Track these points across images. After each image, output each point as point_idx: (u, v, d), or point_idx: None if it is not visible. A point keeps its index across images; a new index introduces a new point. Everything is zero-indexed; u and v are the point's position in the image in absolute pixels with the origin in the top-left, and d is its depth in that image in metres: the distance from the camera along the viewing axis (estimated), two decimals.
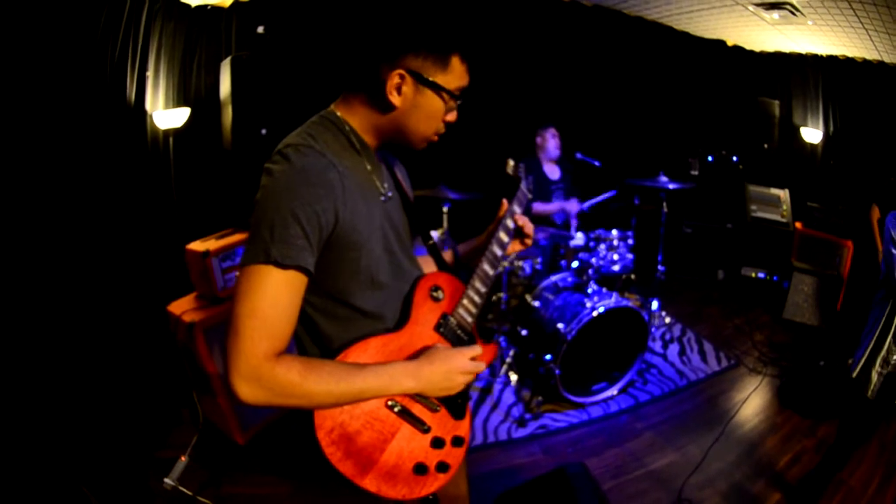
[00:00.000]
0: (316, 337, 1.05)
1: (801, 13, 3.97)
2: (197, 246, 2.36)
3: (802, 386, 3.09)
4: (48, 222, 2.63)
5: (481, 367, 1.10)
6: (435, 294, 1.14)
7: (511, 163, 1.29)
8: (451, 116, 1.07)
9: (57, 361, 2.60)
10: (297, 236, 0.88)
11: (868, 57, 4.54)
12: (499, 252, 1.22)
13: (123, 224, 2.98)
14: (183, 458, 2.34)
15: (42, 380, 2.52)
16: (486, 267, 1.18)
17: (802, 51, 4.92)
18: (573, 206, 3.75)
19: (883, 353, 1.92)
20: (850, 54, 4.63)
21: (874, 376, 1.93)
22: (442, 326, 1.13)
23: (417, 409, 1.04)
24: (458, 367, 1.05)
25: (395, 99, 0.99)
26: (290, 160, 0.92)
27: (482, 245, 1.28)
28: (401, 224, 1.14)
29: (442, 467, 1.05)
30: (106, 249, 2.89)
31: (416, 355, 1.05)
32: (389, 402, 1.00)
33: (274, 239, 0.87)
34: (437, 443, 1.06)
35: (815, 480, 2.22)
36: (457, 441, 1.10)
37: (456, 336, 1.14)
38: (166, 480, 2.23)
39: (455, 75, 1.02)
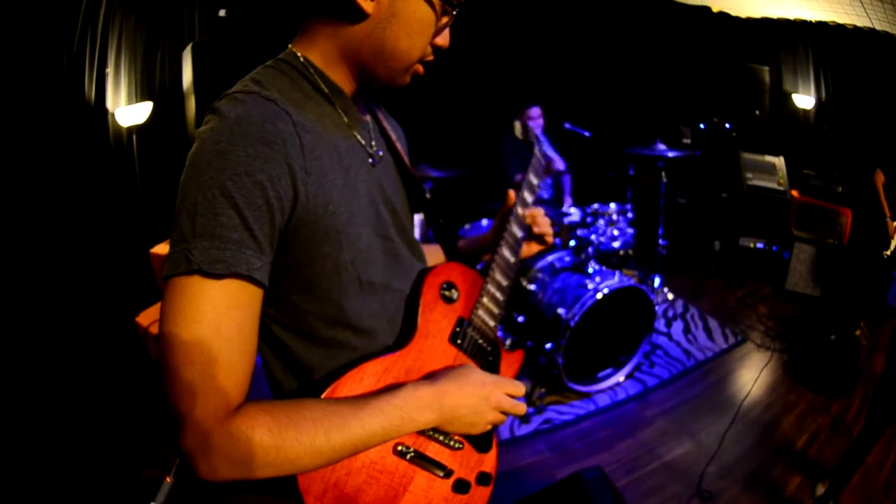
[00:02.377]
0: (290, 364, 0.77)
1: None
2: (161, 249, 2.15)
3: (812, 361, 2.98)
4: (6, 231, 2.45)
5: (521, 407, 0.82)
6: (448, 293, 0.86)
7: (518, 125, 1.05)
8: (443, 39, 0.78)
9: (23, 377, 2.43)
10: (232, 226, 0.60)
11: (859, 24, 4.43)
12: (519, 233, 0.98)
13: (89, 229, 2.81)
14: (168, 479, 2.16)
15: (8, 397, 2.35)
16: (507, 253, 0.94)
17: (791, 17, 4.80)
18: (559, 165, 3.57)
19: None
20: (840, 21, 4.52)
21: None
22: (459, 336, 0.87)
23: (434, 450, 0.81)
24: (495, 399, 0.78)
25: (365, 3, 0.69)
26: (221, 113, 0.65)
27: (490, 241, 1.04)
28: (398, 197, 0.86)
29: None
30: (72, 256, 2.73)
31: (431, 376, 0.79)
32: (399, 448, 0.76)
33: (196, 232, 0.60)
34: (461, 486, 0.84)
35: (844, 464, 2.12)
36: (483, 479, 0.88)
37: (477, 347, 0.90)
38: None
39: None
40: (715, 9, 5.06)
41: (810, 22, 4.75)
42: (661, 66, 5.02)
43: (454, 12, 0.75)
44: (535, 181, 1.03)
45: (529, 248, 1.06)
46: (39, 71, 2.60)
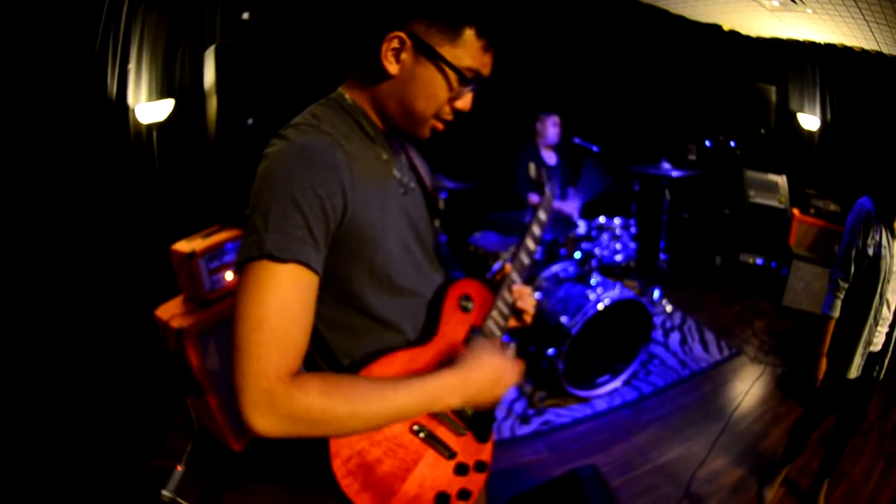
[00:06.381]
0: (325, 352, 0.92)
1: (802, 1, 3.91)
2: (182, 246, 2.24)
3: (803, 376, 3.06)
4: (29, 225, 2.52)
5: (521, 370, 0.99)
6: (464, 304, 1.02)
7: (532, 166, 1.19)
8: (462, 103, 0.90)
9: (42, 368, 2.51)
10: (297, 226, 0.74)
11: (866, 47, 4.50)
12: (526, 261, 1.12)
13: (108, 224, 2.87)
14: (179, 468, 2.25)
15: (27, 387, 2.43)
16: (515, 276, 1.09)
17: (800, 38, 4.86)
18: (572, 206, 3.66)
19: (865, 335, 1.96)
20: (848, 44, 4.59)
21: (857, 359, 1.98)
22: (472, 341, 1.01)
23: (443, 433, 0.95)
24: (506, 376, 0.93)
25: (390, 65, 0.85)
26: (289, 139, 0.81)
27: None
28: (422, 221, 1.01)
29: (464, 495, 0.98)
30: (91, 250, 2.79)
31: (450, 360, 0.92)
32: (415, 427, 0.91)
33: (268, 228, 0.74)
34: (461, 469, 0.98)
35: (822, 469, 2.23)
36: (480, 466, 1.02)
37: None
38: (164, 492, 2.14)
39: (468, 52, 0.85)
40: (726, 27, 5.14)
41: (819, 44, 4.82)
42: (670, 82, 5.11)
43: (468, 86, 0.88)
44: (543, 218, 1.16)
45: (511, 323, 1.15)
46: (64, 65, 2.65)
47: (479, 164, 4.05)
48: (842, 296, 1.98)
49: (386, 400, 0.79)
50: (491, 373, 0.91)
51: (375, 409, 0.78)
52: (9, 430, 2.30)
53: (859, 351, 1.96)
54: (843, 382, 2.01)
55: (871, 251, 1.90)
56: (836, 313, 1.99)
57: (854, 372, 1.98)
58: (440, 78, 0.86)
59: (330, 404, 0.74)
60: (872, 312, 1.92)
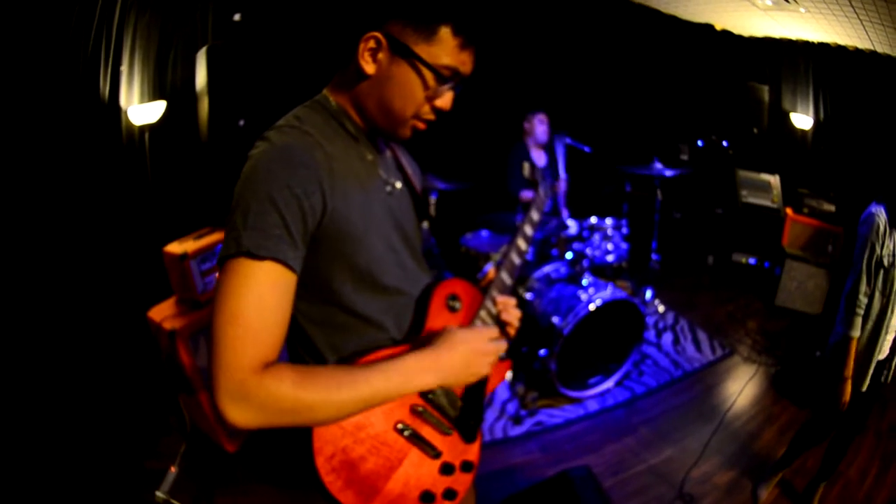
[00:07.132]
0: (310, 349, 0.92)
1: (795, 0, 3.92)
2: (174, 248, 2.24)
3: (797, 375, 3.08)
4: (21, 227, 2.52)
5: (503, 346, 0.98)
6: (452, 303, 1.02)
7: (527, 165, 1.19)
8: (442, 101, 0.90)
9: (35, 370, 2.50)
10: (275, 225, 0.76)
11: (860, 46, 4.51)
12: (518, 261, 1.11)
13: (101, 225, 2.87)
14: (173, 469, 2.26)
15: (21, 389, 2.43)
16: (504, 275, 1.08)
17: (793, 37, 4.88)
18: (561, 185, 3.68)
19: (878, 347, 1.93)
20: (841, 42, 4.60)
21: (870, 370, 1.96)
22: (446, 329, 1.00)
23: (428, 433, 0.95)
24: (482, 348, 0.93)
25: (367, 65, 0.86)
26: (270, 140, 0.83)
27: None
28: (408, 221, 1.02)
29: (449, 494, 0.98)
30: (83, 252, 2.79)
31: (425, 341, 0.92)
32: (399, 426, 0.91)
33: (247, 226, 0.75)
34: (447, 468, 0.98)
35: (819, 473, 2.23)
36: (466, 466, 1.02)
37: None
38: (157, 493, 2.14)
39: (444, 50, 0.85)
40: (718, 27, 5.15)
41: (812, 43, 4.83)
42: (662, 82, 5.12)
43: (446, 84, 0.88)
44: (535, 217, 1.16)
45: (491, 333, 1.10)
46: (57, 66, 2.64)
47: (471, 164, 4.05)
48: (862, 312, 1.89)
49: (358, 385, 0.79)
50: (464, 352, 0.91)
51: (348, 395, 0.78)
52: (3, 432, 2.29)
53: (873, 363, 1.94)
54: (856, 395, 1.99)
55: (886, 261, 1.85)
56: (858, 332, 1.90)
57: (867, 383, 1.96)
58: (416, 77, 0.86)
59: (302, 393, 0.75)
60: (886, 324, 1.89)
